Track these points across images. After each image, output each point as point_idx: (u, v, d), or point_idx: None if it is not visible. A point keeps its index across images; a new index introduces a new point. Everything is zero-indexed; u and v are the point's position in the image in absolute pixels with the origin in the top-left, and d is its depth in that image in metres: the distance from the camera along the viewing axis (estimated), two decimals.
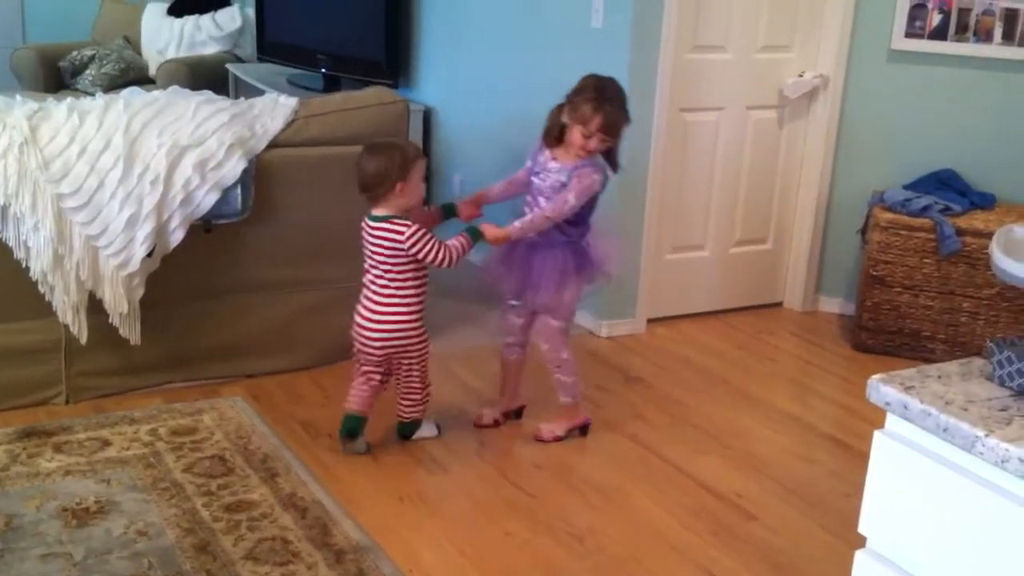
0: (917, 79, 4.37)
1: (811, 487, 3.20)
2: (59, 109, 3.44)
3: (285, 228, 3.64)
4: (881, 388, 1.49)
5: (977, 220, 4.06)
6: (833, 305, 4.69)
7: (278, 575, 2.59)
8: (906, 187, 4.30)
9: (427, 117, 5.33)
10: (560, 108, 3.16)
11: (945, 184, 4.27)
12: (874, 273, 4.16)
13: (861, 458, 1.57)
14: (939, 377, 1.51)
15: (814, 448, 3.47)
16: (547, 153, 3.18)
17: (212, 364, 3.64)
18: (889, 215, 4.13)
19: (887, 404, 1.49)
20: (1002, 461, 1.32)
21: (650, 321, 4.39)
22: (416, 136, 5.09)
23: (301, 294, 3.75)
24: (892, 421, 1.50)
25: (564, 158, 3.14)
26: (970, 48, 4.26)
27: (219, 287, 3.61)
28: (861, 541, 1.58)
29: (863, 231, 4.36)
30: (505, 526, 2.89)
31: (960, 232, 4.01)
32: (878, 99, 4.44)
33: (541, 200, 3.15)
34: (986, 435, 1.35)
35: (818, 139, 4.52)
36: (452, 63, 5.18)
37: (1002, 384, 1.49)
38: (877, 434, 1.52)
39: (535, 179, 3.19)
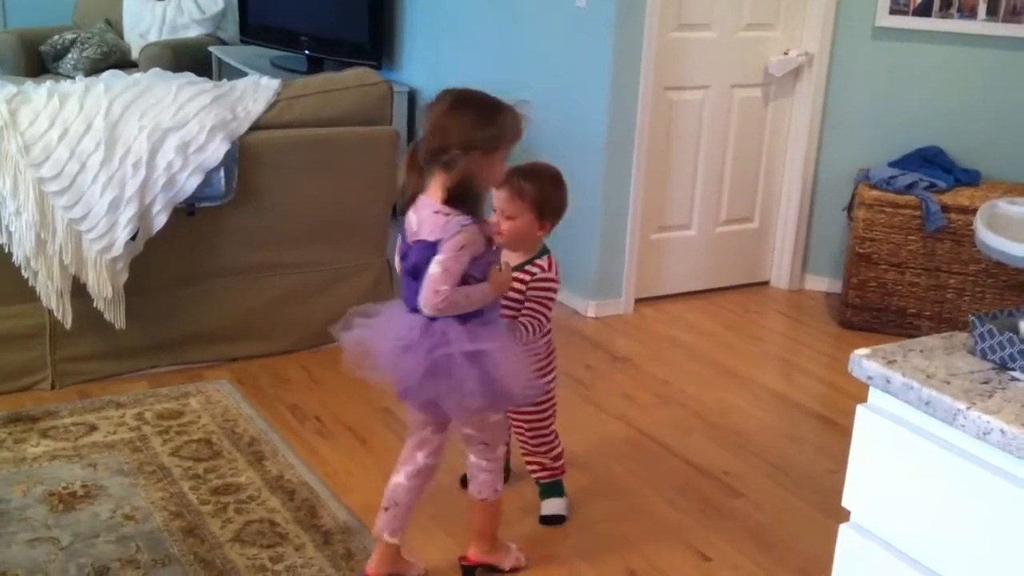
0: (902, 56, 4.37)
1: (797, 464, 3.21)
2: (39, 92, 3.41)
3: (269, 211, 3.62)
4: (863, 363, 1.49)
5: (962, 196, 4.07)
6: (819, 283, 4.70)
7: (266, 557, 2.59)
8: (891, 164, 4.31)
9: (411, 99, 5.30)
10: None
11: (930, 161, 4.28)
12: (860, 251, 4.16)
13: (846, 435, 1.57)
14: (921, 351, 1.51)
15: (800, 425, 3.48)
16: None
17: (197, 348, 3.63)
18: (874, 193, 4.14)
19: (869, 378, 1.49)
20: (984, 433, 1.33)
21: (637, 301, 4.40)
22: (400, 118, 5.08)
23: (286, 277, 3.73)
24: (875, 395, 1.51)
25: None
26: (955, 25, 4.26)
27: (203, 271, 3.59)
28: (846, 516, 1.59)
29: (849, 209, 4.36)
30: None
31: (945, 209, 4.02)
32: (863, 76, 4.44)
33: None
34: (968, 408, 1.35)
35: (803, 117, 4.52)
36: (436, 44, 5.16)
37: (984, 357, 1.49)
38: (860, 408, 1.52)
39: None
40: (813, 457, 3.26)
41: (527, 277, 2.62)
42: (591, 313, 4.29)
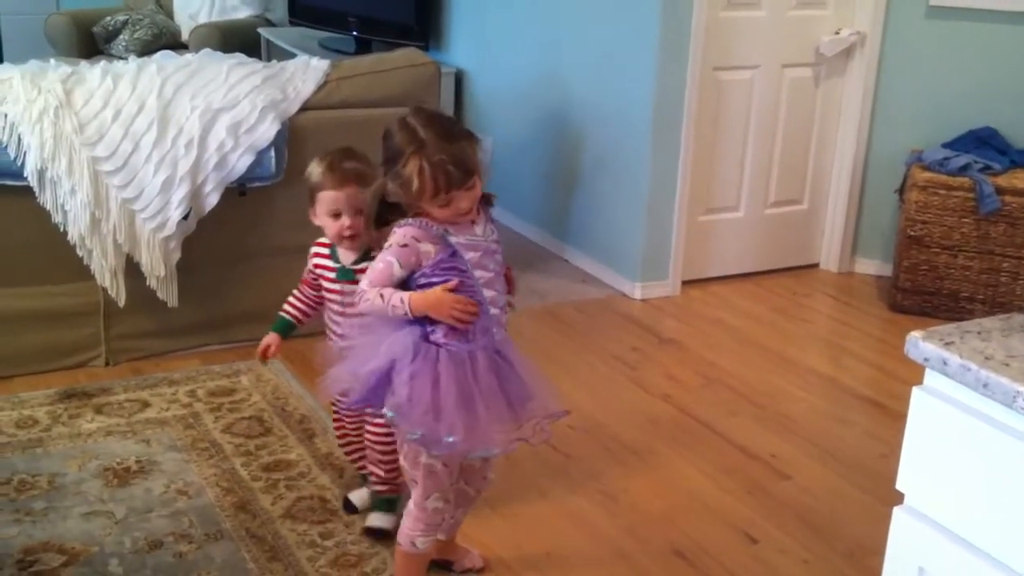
0: (956, 35, 4.29)
1: (846, 447, 3.18)
2: (93, 73, 3.46)
3: None
4: (920, 344, 1.47)
5: (1017, 179, 4.00)
6: (870, 266, 4.65)
7: (316, 533, 2.62)
8: (944, 146, 4.24)
9: (458, 79, 5.30)
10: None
11: (984, 142, 4.20)
12: (912, 233, 4.11)
13: (897, 419, 1.56)
14: (979, 333, 1.49)
15: (849, 409, 3.45)
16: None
17: (248, 326, 3.65)
18: (927, 174, 4.08)
19: (926, 360, 1.47)
20: None
21: (684, 283, 4.38)
22: (448, 98, 5.08)
23: None
24: (931, 377, 1.49)
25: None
26: (1011, 3, 4.17)
27: (254, 250, 3.63)
28: (897, 500, 1.57)
29: (900, 191, 4.30)
30: (539, 485, 2.90)
31: (1000, 191, 3.95)
32: (916, 56, 4.37)
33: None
34: None
35: (855, 97, 4.46)
36: (483, 24, 5.15)
37: None
38: (916, 390, 1.51)
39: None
40: (863, 441, 3.23)
41: None
42: (638, 295, 4.27)
